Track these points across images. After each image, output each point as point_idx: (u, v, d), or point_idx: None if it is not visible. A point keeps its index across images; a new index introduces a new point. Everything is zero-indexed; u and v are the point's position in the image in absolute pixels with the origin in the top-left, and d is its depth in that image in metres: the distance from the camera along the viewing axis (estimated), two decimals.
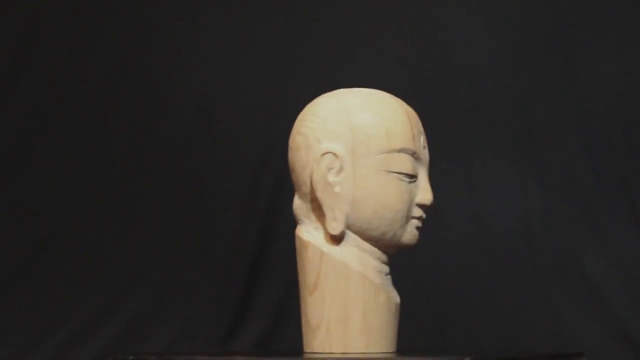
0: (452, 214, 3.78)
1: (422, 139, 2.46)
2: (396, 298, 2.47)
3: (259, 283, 3.77)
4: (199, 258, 3.79)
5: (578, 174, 3.78)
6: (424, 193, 2.43)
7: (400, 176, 2.39)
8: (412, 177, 2.41)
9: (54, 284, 3.71)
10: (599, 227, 3.75)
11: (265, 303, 3.73)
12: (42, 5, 3.84)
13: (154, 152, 3.85)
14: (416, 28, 3.91)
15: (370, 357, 2.36)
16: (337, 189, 2.38)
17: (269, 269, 3.74)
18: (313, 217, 2.45)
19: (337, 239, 2.42)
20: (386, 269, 2.47)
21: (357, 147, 2.39)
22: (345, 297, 2.41)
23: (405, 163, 2.39)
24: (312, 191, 2.41)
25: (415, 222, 2.43)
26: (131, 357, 2.37)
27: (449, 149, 3.79)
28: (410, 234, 2.43)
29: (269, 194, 3.77)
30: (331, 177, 2.39)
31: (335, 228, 2.40)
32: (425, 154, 2.46)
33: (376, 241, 2.42)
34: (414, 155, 2.41)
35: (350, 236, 2.42)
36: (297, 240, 2.46)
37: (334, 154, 2.38)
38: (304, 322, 2.45)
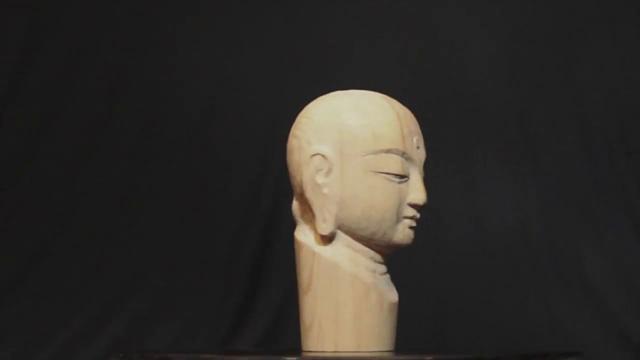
0: (452, 215, 3.81)
1: (416, 139, 2.46)
2: (392, 297, 2.48)
3: (260, 283, 3.81)
4: (201, 258, 3.84)
5: (576, 175, 3.81)
6: (416, 193, 2.44)
7: (389, 176, 2.41)
8: (402, 177, 2.42)
9: (58, 284, 3.76)
10: (597, 228, 3.77)
11: (267, 303, 3.76)
12: (46, 8, 3.90)
13: (156, 154, 3.90)
14: (416, 30, 3.95)
15: (361, 356, 2.38)
16: (325, 190, 2.42)
17: (270, 269, 3.78)
18: (307, 218, 2.49)
19: (327, 240, 2.45)
20: (381, 268, 2.49)
21: (345, 149, 2.42)
22: (336, 297, 2.44)
23: (393, 163, 2.41)
24: (303, 192, 2.45)
25: (408, 222, 2.44)
26: (134, 356, 2.43)
27: (448, 151, 3.83)
28: (402, 233, 2.44)
29: (270, 195, 3.81)
30: (320, 179, 2.42)
31: (325, 229, 2.43)
32: (418, 154, 2.47)
33: (367, 241, 2.44)
34: (404, 155, 2.42)
35: (342, 236, 2.45)
36: (294, 241, 2.50)
37: (323, 155, 2.42)
38: (300, 321, 2.49)
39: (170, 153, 3.88)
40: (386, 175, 2.41)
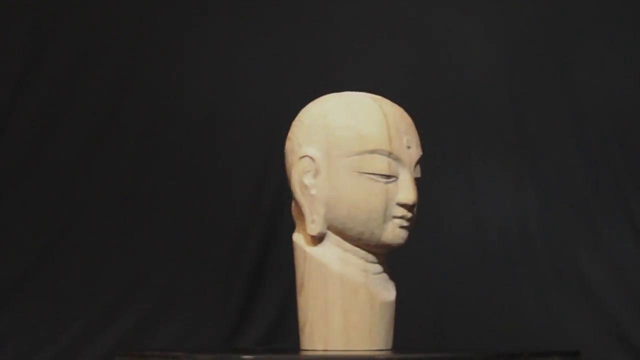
0: (451, 215, 3.84)
1: (406, 139, 2.47)
2: (386, 297, 2.50)
3: (262, 283, 3.84)
4: (203, 259, 3.88)
5: (573, 176, 3.83)
6: (405, 193, 2.45)
7: (374, 177, 2.43)
8: (390, 177, 2.44)
9: (62, 284, 3.81)
10: (594, 228, 3.79)
11: (269, 302, 3.80)
12: (50, 12, 3.96)
13: (160, 156, 3.94)
14: (416, 32, 3.97)
15: (349, 355, 2.41)
16: (313, 191, 2.46)
17: (272, 269, 3.82)
18: (301, 219, 2.53)
19: (317, 240, 2.49)
20: (375, 268, 2.51)
21: (332, 150, 2.45)
22: (326, 296, 2.47)
23: (378, 164, 2.43)
24: (294, 194, 2.50)
25: (398, 222, 2.45)
26: (136, 355, 2.46)
27: (447, 152, 3.86)
28: (391, 233, 2.45)
29: (272, 196, 3.83)
30: (307, 180, 2.46)
31: (313, 229, 2.47)
32: (409, 154, 2.47)
33: (356, 241, 2.47)
34: (391, 155, 2.43)
35: (332, 236, 2.48)
36: (292, 241, 2.55)
37: (311, 157, 2.46)
38: (298, 320, 2.53)
39: (173, 155, 3.94)
40: (371, 176, 2.43)
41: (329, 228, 2.47)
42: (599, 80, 3.85)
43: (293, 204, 2.56)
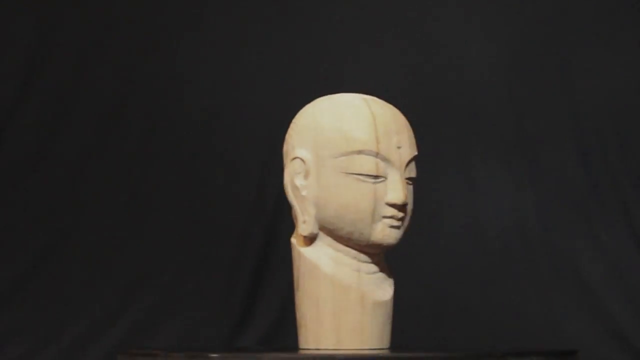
0: (451, 215, 3.87)
1: (397, 139, 2.48)
2: (379, 296, 2.51)
3: (263, 283, 3.87)
4: (205, 259, 3.91)
5: (572, 176, 3.86)
6: (393, 192, 2.46)
7: (361, 177, 2.44)
8: (377, 177, 2.45)
9: (65, 285, 3.85)
10: (593, 228, 3.83)
11: (270, 302, 3.83)
12: (53, 14, 3.99)
13: (162, 157, 3.98)
14: (416, 33, 3.98)
15: (335, 354, 2.43)
16: (304, 193, 2.49)
17: (273, 269, 3.84)
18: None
19: (309, 240, 2.52)
20: (368, 267, 2.52)
21: (320, 152, 2.48)
22: (317, 296, 2.50)
23: (365, 164, 2.44)
24: (286, 195, 2.53)
25: (388, 222, 2.46)
26: (139, 354, 2.49)
27: (447, 152, 3.89)
28: (381, 233, 2.46)
29: (273, 197, 3.83)
30: (298, 181, 2.50)
31: (305, 229, 2.51)
32: (399, 154, 2.48)
33: (346, 241, 2.49)
34: (378, 156, 2.44)
35: (324, 236, 2.51)
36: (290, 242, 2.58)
37: (301, 159, 2.49)
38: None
39: (175, 156, 3.97)
40: (359, 176, 2.45)
41: (320, 229, 2.50)
42: (598, 81, 3.88)
43: None
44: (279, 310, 3.77)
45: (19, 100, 3.95)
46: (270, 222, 3.88)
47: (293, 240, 2.55)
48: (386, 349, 2.52)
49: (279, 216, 3.80)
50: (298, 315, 2.55)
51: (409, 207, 2.52)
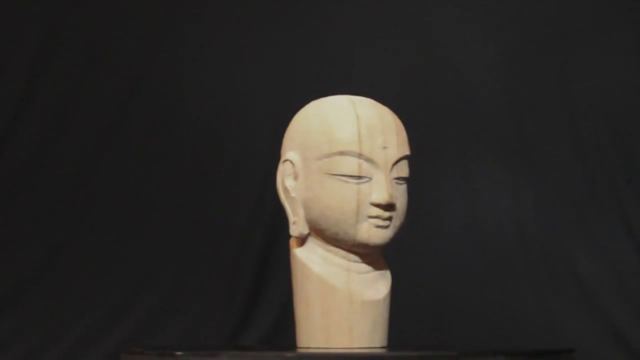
0: (450, 215, 3.91)
1: (383, 140, 2.49)
2: (370, 295, 2.52)
3: (265, 283, 3.88)
4: (207, 259, 3.93)
5: (569, 178, 3.90)
6: (377, 193, 2.47)
7: (344, 178, 2.46)
8: (361, 177, 2.47)
9: (68, 285, 3.89)
10: (590, 229, 3.86)
11: (271, 302, 3.84)
12: (59, 15, 4.02)
13: (165, 158, 4.00)
14: (416, 35, 3.97)
15: (322, 352, 2.47)
16: (293, 194, 2.54)
17: (274, 269, 3.84)
18: None
19: (300, 241, 2.56)
20: (358, 267, 2.53)
21: (306, 153, 2.52)
22: (307, 295, 2.54)
23: (347, 165, 2.46)
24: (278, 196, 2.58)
25: (373, 222, 2.48)
26: (141, 352, 2.52)
27: (446, 155, 3.94)
28: (366, 233, 2.48)
29: (275, 198, 3.81)
30: (288, 183, 2.54)
31: (294, 230, 2.55)
32: (384, 155, 2.48)
33: (334, 241, 2.51)
34: (361, 157, 2.46)
35: (315, 237, 2.54)
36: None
37: (291, 161, 2.54)
38: None
39: (177, 158, 4.00)
40: (341, 177, 2.47)
41: (310, 229, 2.54)
42: (596, 82, 3.91)
43: None
44: (280, 309, 3.81)
45: (23, 100, 3.99)
46: (271, 223, 3.91)
47: (290, 241, 2.59)
48: (375, 348, 2.53)
49: (280, 217, 3.79)
50: (295, 315, 2.59)
51: (400, 207, 2.52)
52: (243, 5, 4.06)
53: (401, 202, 2.54)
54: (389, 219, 2.50)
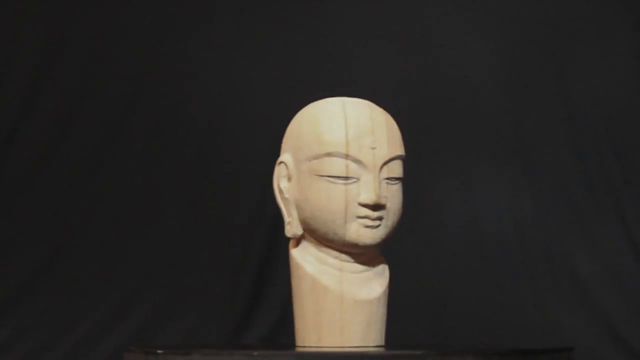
0: (449, 217, 3.93)
1: (371, 141, 2.51)
2: (363, 295, 2.54)
3: (267, 282, 3.89)
4: (210, 259, 3.96)
5: (568, 179, 3.93)
6: (365, 193, 2.49)
7: (332, 179, 2.49)
8: (348, 178, 2.49)
9: (71, 284, 3.92)
10: (588, 229, 3.90)
11: (273, 301, 3.85)
12: (62, 18, 4.05)
13: (168, 159, 4.03)
14: (415, 37, 3.99)
15: (313, 351, 2.50)
16: (287, 195, 2.58)
17: (276, 269, 3.84)
18: None
19: (296, 241, 2.61)
20: (351, 267, 2.56)
21: (298, 155, 2.56)
22: (301, 295, 2.58)
23: (334, 166, 2.49)
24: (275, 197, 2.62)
25: (362, 222, 2.50)
26: (143, 351, 2.55)
27: (446, 156, 3.97)
28: (355, 233, 2.50)
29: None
30: (283, 184, 2.59)
31: (289, 231, 2.60)
32: (371, 155, 2.50)
33: (326, 241, 2.55)
34: (348, 157, 2.49)
35: (309, 237, 2.58)
36: None
37: (285, 163, 2.59)
38: None
39: (180, 159, 4.03)
40: (329, 178, 2.50)
41: (304, 229, 2.57)
42: (593, 89, 3.96)
43: None
44: (282, 308, 3.82)
45: (27, 103, 4.03)
46: (272, 223, 3.92)
47: (290, 241, 2.63)
48: (366, 347, 2.54)
49: (281, 217, 3.85)
50: (294, 314, 2.63)
51: (392, 207, 2.54)
52: (244, 7, 4.11)
53: (393, 202, 2.55)
54: (379, 219, 2.52)
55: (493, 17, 4.01)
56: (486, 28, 4.02)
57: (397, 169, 2.56)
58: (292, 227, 2.57)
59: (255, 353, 2.30)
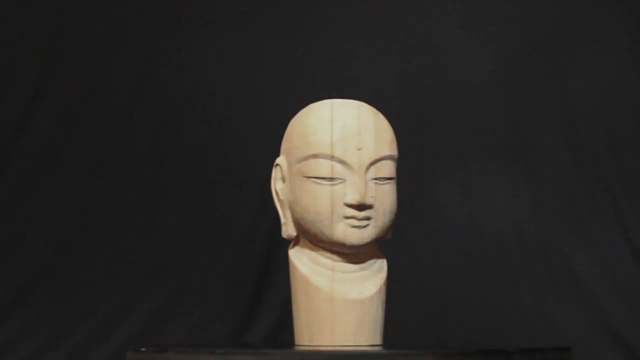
0: (449, 218, 3.94)
1: (357, 141, 2.53)
2: (354, 294, 2.57)
3: (269, 282, 3.90)
4: (212, 259, 3.96)
5: (566, 180, 3.96)
6: (350, 194, 2.52)
7: (318, 180, 2.53)
8: (334, 179, 2.53)
9: (75, 284, 3.93)
10: (586, 229, 3.93)
11: (275, 300, 3.84)
12: (66, 20, 4.06)
13: (171, 160, 4.03)
14: (416, 41, 4.03)
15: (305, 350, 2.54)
16: (282, 197, 2.64)
17: (278, 269, 3.80)
18: None
19: (294, 242, 2.66)
20: (343, 267, 2.59)
21: (289, 157, 2.62)
22: (296, 295, 2.63)
23: (320, 168, 2.53)
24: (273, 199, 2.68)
25: (349, 222, 2.53)
26: (145, 349, 2.62)
27: (445, 156, 3.98)
28: (342, 233, 2.53)
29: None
30: (278, 186, 2.65)
31: (284, 231, 2.65)
32: (357, 156, 2.53)
33: (317, 241, 2.59)
34: (334, 159, 2.52)
35: (303, 238, 2.63)
36: None
37: (280, 165, 2.65)
38: None
39: (184, 159, 4.04)
40: (315, 179, 2.54)
41: (298, 230, 2.62)
42: (591, 90, 3.98)
43: None
44: (283, 308, 3.76)
45: (31, 104, 4.07)
46: (274, 223, 3.93)
47: (291, 243, 2.69)
48: (357, 346, 2.56)
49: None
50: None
51: (382, 206, 2.56)
52: (247, 9, 4.14)
53: (383, 202, 2.57)
54: (367, 219, 2.54)
55: (493, 18, 4.03)
56: (486, 29, 4.03)
57: (386, 169, 2.58)
58: (287, 228, 2.63)
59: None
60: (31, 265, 4.00)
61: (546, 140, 3.99)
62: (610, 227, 3.90)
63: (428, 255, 3.90)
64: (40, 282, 3.98)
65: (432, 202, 3.92)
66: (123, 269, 4.00)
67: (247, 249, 4.04)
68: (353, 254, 2.60)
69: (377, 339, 2.61)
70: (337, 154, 2.53)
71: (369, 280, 2.61)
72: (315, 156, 2.54)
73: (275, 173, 2.64)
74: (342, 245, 2.55)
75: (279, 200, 2.63)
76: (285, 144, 2.64)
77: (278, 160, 2.64)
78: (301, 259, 2.62)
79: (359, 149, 2.54)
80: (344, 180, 2.53)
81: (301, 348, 2.55)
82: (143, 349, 2.44)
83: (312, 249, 2.61)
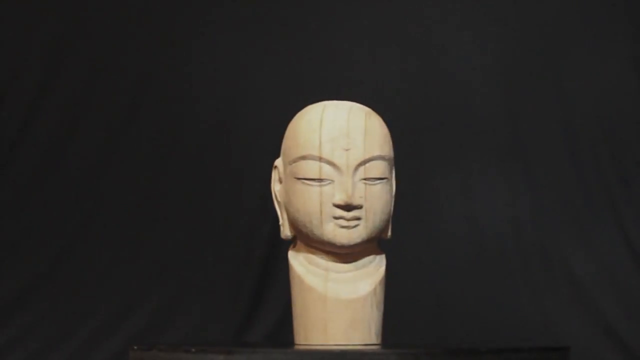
0: (448, 218, 3.95)
1: (345, 142, 2.55)
2: (346, 294, 2.58)
3: (270, 282, 3.87)
4: (214, 258, 3.95)
5: (565, 181, 3.97)
6: (338, 194, 2.55)
7: (307, 181, 2.56)
8: (322, 180, 2.55)
9: (77, 284, 3.92)
10: (585, 230, 3.94)
11: (277, 300, 3.82)
12: (68, 21, 4.04)
13: (172, 160, 4.00)
14: (416, 43, 4.01)
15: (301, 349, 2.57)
16: (279, 198, 2.68)
17: (279, 268, 3.73)
18: None
19: (292, 243, 2.70)
20: (337, 267, 2.61)
21: (284, 159, 2.66)
22: (293, 295, 2.67)
23: (308, 169, 2.56)
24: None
25: (338, 222, 2.56)
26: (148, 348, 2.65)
27: (444, 157, 3.98)
28: (331, 233, 2.56)
29: None
30: (276, 188, 2.69)
31: (282, 232, 2.69)
32: (345, 157, 2.55)
33: (311, 241, 2.61)
34: (322, 160, 2.55)
35: (300, 238, 2.66)
36: None
37: (277, 166, 2.69)
38: None
39: (186, 159, 4.02)
40: (305, 180, 2.57)
41: (295, 231, 2.65)
42: (589, 92, 3.98)
43: None
44: (284, 308, 3.72)
45: (33, 106, 4.07)
46: (275, 223, 3.94)
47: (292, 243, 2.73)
48: (348, 345, 2.57)
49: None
50: None
51: (373, 206, 2.57)
52: (248, 9, 4.13)
53: (373, 202, 2.58)
54: (356, 219, 2.56)
55: (492, 20, 4.02)
56: (486, 29, 4.02)
57: (376, 169, 2.58)
58: (284, 229, 2.67)
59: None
60: (33, 265, 4.03)
61: (545, 142, 3.99)
62: (609, 228, 3.91)
63: (427, 255, 3.91)
64: (42, 282, 4.02)
65: (431, 202, 3.94)
66: (124, 269, 4.03)
67: (248, 249, 4.05)
68: (347, 254, 2.61)
69: (372, 338, 2.62)
70: (325, 155, 2.55)
71: (363, 280, 2.62)
72: (304, 157, 2.57)
73: (274, 174, 2.69)
74: (332, 245, 2.57)
75: (277, 201, 2.67)
76: (282, 146, 2.68)
77: (276, 162, 2.68)
78: (297, 259, 2.65)
79: (347, 150, 2.56)
80: (333, 181, 2.56)
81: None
82: (146, 348, 2.50)
83: (307, 249, 2.63)
